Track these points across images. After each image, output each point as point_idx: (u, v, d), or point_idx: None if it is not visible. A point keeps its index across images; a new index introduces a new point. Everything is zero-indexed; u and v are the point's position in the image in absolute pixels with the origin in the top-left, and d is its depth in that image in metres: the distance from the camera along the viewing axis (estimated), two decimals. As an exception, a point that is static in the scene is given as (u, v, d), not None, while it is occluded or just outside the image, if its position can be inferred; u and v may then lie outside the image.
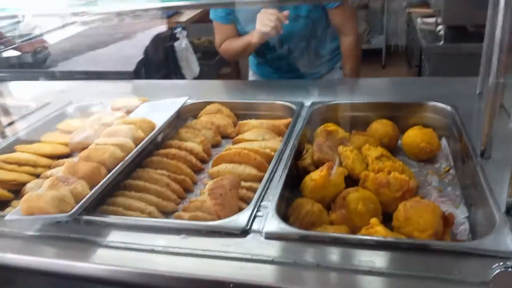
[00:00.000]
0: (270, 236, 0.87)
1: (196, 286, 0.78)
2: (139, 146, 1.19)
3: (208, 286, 0.78)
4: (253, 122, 1.45)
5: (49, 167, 1.33)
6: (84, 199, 0.96)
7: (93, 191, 1.00)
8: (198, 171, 1.30)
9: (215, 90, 1.85)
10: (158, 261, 0.84)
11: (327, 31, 1.88)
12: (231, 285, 0.77)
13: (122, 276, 0.82)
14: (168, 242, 0.88)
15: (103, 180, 1.04)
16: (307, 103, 1.48)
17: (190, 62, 3.96)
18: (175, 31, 3.89)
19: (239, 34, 1.92)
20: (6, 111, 1.73)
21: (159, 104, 1.53)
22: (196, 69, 4.00)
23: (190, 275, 0.79)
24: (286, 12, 1.65)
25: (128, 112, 1.51)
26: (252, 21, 1.81)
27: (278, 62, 1.97)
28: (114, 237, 0.92)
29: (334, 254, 0.82)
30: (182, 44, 3.88)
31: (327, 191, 1.05)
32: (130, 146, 1.18)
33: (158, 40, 3.56)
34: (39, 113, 1.70)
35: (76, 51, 3.11)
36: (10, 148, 1.41)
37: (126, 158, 1.13)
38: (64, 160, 1.30)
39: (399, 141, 1.33)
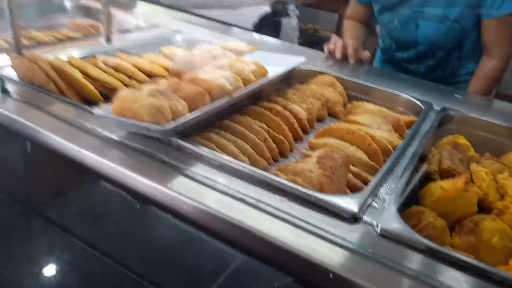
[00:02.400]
0: (386, 234, 0.70)
1: (291, 260, 0.62)
2: (248, 88, 1.05)
3: (306, 266, 0.61)
4: (369, 106, 1.26)
5: (144, 83, 1.23)
6: (183, 120, 0.83)
7: (193, 114, 0.87)
8: (296, 138, 1.14)
9: (329, 63, 1.66)
10: (250, 214, 0.69)
11: (475, 48, 1.58)
12: (331, 275, 0.61)
13: (205, 217, 0.68)
14: (261, 197, 0.73)
15: (206, 108, 0.91)
16: (437, 106, 1.27)
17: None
18: (287, 6, 3.74)
19: (372, 16, 1.73)
20: (117, 22, 1.66)
21: (272, 56, 1.38)
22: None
23: (286, 246, 0.63)
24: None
25: (238, 56, 1.38)
26: (388, 9, 1.63)
27: (407, 64, 1.70)
28: (203, 171, 0.78)
29: (469, 285, 0.63)
30: (292, 22, 3.71)
31: (456, 208, 0.85)
32: (239, 84, 1.04)
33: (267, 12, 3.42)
34: (147, 32, 1.63)
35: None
36: (112, 54, 1.33)
37: (233, 95, 0.99)
38: (162, 80, 1.19)
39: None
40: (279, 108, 1.13)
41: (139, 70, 1.26)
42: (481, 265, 0.66)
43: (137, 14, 1.84)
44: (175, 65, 1.25)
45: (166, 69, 1.32)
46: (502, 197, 0.97)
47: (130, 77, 1.22)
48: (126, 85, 1.19)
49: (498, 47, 1.52)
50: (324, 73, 1.43)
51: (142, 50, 1.43)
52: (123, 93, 0.84)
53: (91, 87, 1.07)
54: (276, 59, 1.36)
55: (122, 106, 0.82)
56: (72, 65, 1.11)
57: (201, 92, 0.93)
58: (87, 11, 1.82)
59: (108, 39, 1.44)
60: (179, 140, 0.84)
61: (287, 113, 1.13)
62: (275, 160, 1.03)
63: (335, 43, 1.60)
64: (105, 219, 0.92)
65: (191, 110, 0.91)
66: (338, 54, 1.58)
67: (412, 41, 1.62)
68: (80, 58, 1.23)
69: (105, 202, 0.92)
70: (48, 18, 1.74)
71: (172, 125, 0.80)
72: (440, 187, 0.87)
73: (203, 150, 0.83)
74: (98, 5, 1.67)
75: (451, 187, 0.85)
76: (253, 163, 0.95)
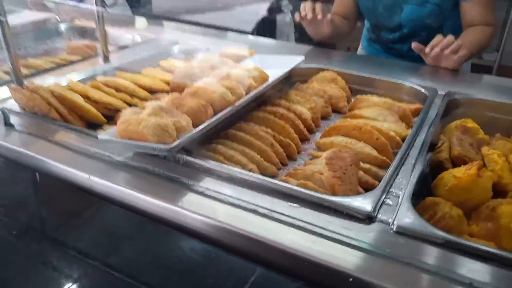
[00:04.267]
0: (403, 231, 0.69)
1: (309, 268, 0.62)
2: (250, 95, 1.05)
3: (324, 272, 0.61)
4: (374, 98, 1.25)
5: (146, 100, 1.23)
6: (187, 135, 0.83)
7: (198, 129, 0.87)
8: (303, 139, 1.13)
9: (328, 58, 1.65)
10: (263, 225, 0.68)
11: (454, 26, 1.63)
12: (351, 279, 0.60)
13: (217, 232, 0.68)
14: (274, 206, 0.73)
15: (209, 121, 0.90)
16: (441, 91, 1.26)
17: (290, 41, 3.76)
18: (281, 1, 3.71)
19: (358, 8, 1.79)
20: (112, 39, 1.67)
21: (271, 58, 1.38)
22: (295, 50, 3.81)
23: (304, 254, 0.63)
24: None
25: (237, 61, 1.37)
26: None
27: (393, 44, 1.77)
28: (213, 185, 0.78)
29: (491, 276, 0.62)
30: (286, 18, 3.69)
31: (471, 195, 0.84)
32: (241, 93, 1.04)
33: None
34: (144, 46, 1.63)
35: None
36: (110, 74, 1.33)
37: (236, 104, 0.98)
38: (164, 95, 1.19)
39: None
40: (282, 111, 1.13)
41: (140, 87, 1.27)
42: (503, 253, 0.65)
43: (133, 29, 1.85)
44: (175, 79, 1.25)
45: (167, 83, 1.33)
46: (517, 178, 0.95)
47: (132, 95, 1.22)
48: (128, 104, 1.20)
49: (482, 22, 1.57)
50: (325, 69, 1.42)
51: (141, 66, 1.43)
52: (126, 115, 0.85)
53: (93, 110, 1.07)
54: (276, 60, 1.35)
55: (126, 129, 0.82)
56: (73, 90, 1.12)
57: (203, 105, 0.93)
58: (83, 32, 1.83)
59: (106, 59, 1.44)
60: (186, 156, 0.84)
61: (291, 115, 1.13)
62: (284, 164, 1.02)
63: (304, 7, 1.60)
64: (120, 242, 0.92)
65: (195, 124, 0.91)
66: (309, 14, 1.56)
67: (397, 24, 1.69)
68: (80, 81, 1.24)
69: (119, 224, 0.93)
70: (45, 43, 1.75)
71: (177, 142, 0.80)
72: (453, 176, 0.85)
73: (211, 164, 0.83)
74: (93, 25, 1.68)
75: (464, 174, 0.84)
76: (262, 170, 0.94)
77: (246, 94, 1.06)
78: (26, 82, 1.10)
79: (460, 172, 0.86)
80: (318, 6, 1.57)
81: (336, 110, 1.32)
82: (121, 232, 0.92)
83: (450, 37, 1.39)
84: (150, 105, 0.91)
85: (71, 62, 1.46)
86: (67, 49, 1.60)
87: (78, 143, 0.90)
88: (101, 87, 1.18)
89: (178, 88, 1.27)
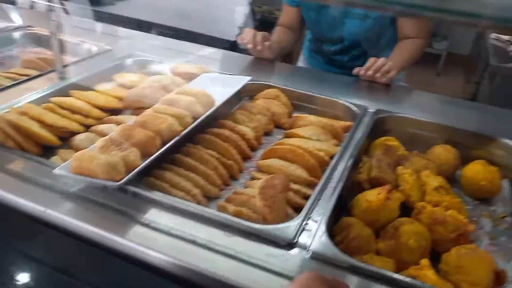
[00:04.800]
0: (317, 257, 0.83)
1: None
2: (196, 122, 1.16)
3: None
4: (310, 117, 1.39)
5: (100, 119, 1.32)
6: (135, 170, 0.94)
7: (145, 163, 0.97)
8: (245, 158, 1.26)
9: (272, 71, 1.77)
10: (200, 255, 0.81)
11: (391, 39, 1.80)
12: (270, 301, 0.74)
13: (160, 262, 0.80)
14: (211, 236, 0.85)
15: (157, 153, 1.01)
16: (372, 108, 1.41)
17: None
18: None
19: (302, 20, 1.91)
20: (67, 49, 1.71)
21: (219, 78, 1.48)
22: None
23: (233, 282, 0.76)
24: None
25: (188, 79, 1.47)
26: (312, 9, 1.79)
27: (334, 55, 1.90)
28: (157, 217, 0.89)
29: (380, 293, 0.77)
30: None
31: (380, 216, 1.00)
32: (188, 121, 1.15)
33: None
34: (99, 58, 1.69)
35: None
36: (65, 91, 1.40)
37: (182, 133, 1.09)
38: (117, 117, 1.28)
39: (458, 171, 1.25)
40: (227, 133, 1.24)
41: (94, 106, 1.35)
42: (391, 275, 0.80)
43: (90, 36, 1.88)
44: (127, 99, 1.35)
45: (120, 98, 1.41)
46: (424, 193, 1.12)
47: (86, 116, 1.30)
48: (83, 124, 1.28)
49: (416, 35, 1.74)
50: (270, 85, 1.54)
51: (96, 81, 1.50)
52: (79, 154, 0.94)
53: (48, 136, 1.15)
54: (224, 80, 1.46)
55: (79, 166, 0.92)
56: (28, 114, 1.19)
57: (152, 137, 1.04)
58: (38, 40, 1.85)
59: (62, 75, 1.50)
60: (133, 188, 0.94)
61: (235, 136, 1.25)
62: (226, 184, 1.15)
63: (246, 33, 1.72)
64: (75, 272, 1.03)
65: (144, 153, 1.02)
66: (249, 45, 1.70)
67: (339, 37, 1.82)
68: (35, 101, 1.30)
69: (69, 253, 1.02)
70: (-1, 52, 1.77)
71: (125, 179, 0.91)
72: (365, 199, 1.01)
73: (155, 194, 0.94)
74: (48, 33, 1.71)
75: (375, 199, 0.99)
76: (205, 192, 1.07)
77: (194, 120, 1.17)
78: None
79: (372, 195, 1.01)
80: (259, 34, 1.69)
81: (278, 125, 1.45)
82: (75, 262, 1.02)
83: (382, 60, 1.54)
84: (102, 139, 1.00)
85: (26, 77, 1.50)
86: (22, 62, 1.63)
87: (33, 173, 0.99)
88: (56, 109, 1.25)
89: (130, 106, 1.37)
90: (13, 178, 0.99)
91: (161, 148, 1.04)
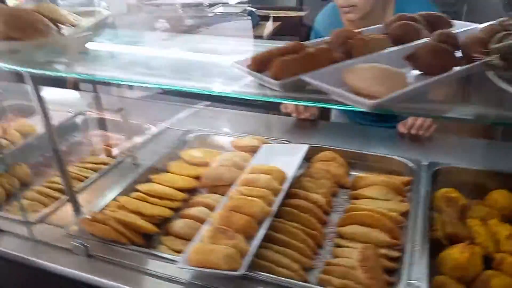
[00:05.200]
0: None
1: None
2: (278, 200, 1.28)
3: None
4: (371, 177, 1.51)
5: (182, 201, 1.45)
6: (247, 256, 1.06)
7: (252, 247, 1.09)
8: (322, 223, 1.37)
9: (315, 130, 1.91)
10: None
11: None
12: None
13: None
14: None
15: (258, 236, 1.13)
16: (423, 161, 1.53)
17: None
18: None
19: None
20: (131, 132, 1.87)
21: (279, 148, 1.62)
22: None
23: None
24: None
25: (251, 152, 1.60)
26: None
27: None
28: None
29: None
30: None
31: (467, 272, 1.11)
32: (271, 199, 1.27)
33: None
34: (162, 137, 1.84)
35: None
36: (145, 176, 1.54)
37: (272, 212, 1.22)
38: (202, 199, 1.40)
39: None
40: (303, 203, 1.36)
41: (176, 188, 1.48)
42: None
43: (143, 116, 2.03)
44: (206, 181, 1.48)
45: (194, 177, 1.55)
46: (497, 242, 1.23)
47: (171, 199, 1.43)
48: (170, 207, 1.41)
49: None
50: (324, 148, 1.67)
51: (166, 160, 1.65)
52: (197, 248, 1.06)
53: (150, 227, 1.28)
54: (284, 150, 1.59)
55: (200, 259, 1.04)
56: (127, 208, 1.32)
57: (249, 220, 1.16)
58: (102, 124, 1.99)
59: (135, 160, 1.64)
60: (251, 274, 1.06)
61: (311, 205, 1.36)
62: (316, 254, 1.26)
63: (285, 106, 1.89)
64: None
65: (245, 237, 1.14)
66: (293, 114, 1.87)
67: None
68: (123, 192, 1.44)
69: None
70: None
71: (243, 265, 1.03)
72: (452, 259, 1.12)
73: (267, 276, 1.06)
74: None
75: (460, 256, 1.11)
76: (304, 265, 1.18)
77: (276, 196, 1.30)
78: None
79: (457, 253, 1.12)
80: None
81: (340, 186, 1.57)
82: None
83: (420, 120, 1.69)
84: (207, 228, 1.13)
85: (103, 165, 1.65)
86: (91, 149, 1.78)
87: (156, 267, 1.12)
88: (147, 198, 1.39)
89: (207, 185, 1.50)
90: (141, 274, 1.11)
91: (258, 229, 1.16)
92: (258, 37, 3.64)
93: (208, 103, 2.14)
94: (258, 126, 1.91)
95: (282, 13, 4.39)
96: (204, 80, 1.04)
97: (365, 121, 2.05)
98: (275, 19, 4.26)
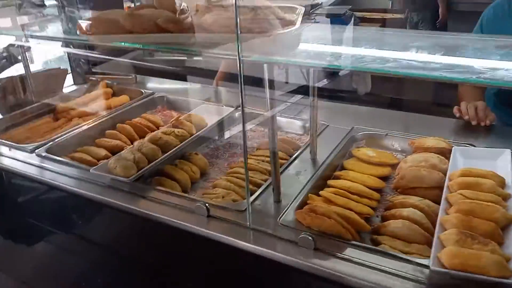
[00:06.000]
0: None
1: None
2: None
3: None
4: None
5: (378, 201, 1.38)
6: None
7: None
8: None
9: (486, 134, 1.76)
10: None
11: None
12: None
13: None
14: None
15: (508, 243, 1.04)
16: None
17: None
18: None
19: None
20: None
21: (475, 152, 1.51)
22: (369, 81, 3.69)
23: None
24: None
25: (440, 153, 1.50)
26: None
27: None
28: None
29: None
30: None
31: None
32: (505, 205, 1.18)
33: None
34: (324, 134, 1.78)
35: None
36: (327, 173, 1.50)
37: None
38: (403, 198, 1.32)
39: None
40: None
41: (366, 186, 1.41)
42: None
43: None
44: (402, 182, 1.40)
45: (378, 177, 1.47)
46: None
47: (370, 198, 1.36)
48: (372, 208, 1.34)
49: None
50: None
51: (340, 158, 1.59)
52: (457, 251, 0.98)
53: (366, 225, 1.22)
54: (483, 155, 1.47)
55: (461, 263, 0.96)
56: (335, 203, 1.27)
57: (494, 226, 1.07)
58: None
59: (313, 155, 1.60)
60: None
61: None
62: None
63: (464, 107, 1.76)
64: None
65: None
66: (473, 122, 1.74)
67: None
68: (315, 186, 1.39)
69: None
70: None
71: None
72: None
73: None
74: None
75: None
76: None
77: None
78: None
79: None
80: (481, 110, 1.73)
81: None
82: None
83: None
84: (452, 232, 1.05)
85: (285, 160, 1.62)
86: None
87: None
88: (348, 195, 1.33)
89: (404, 188, 1.41)
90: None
91: (503, 236, 1.07)
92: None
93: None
94: (415, 126, 1.79)
95: (378, 15, 4.26)
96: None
97: None
98: (375, 20, 4.15)
